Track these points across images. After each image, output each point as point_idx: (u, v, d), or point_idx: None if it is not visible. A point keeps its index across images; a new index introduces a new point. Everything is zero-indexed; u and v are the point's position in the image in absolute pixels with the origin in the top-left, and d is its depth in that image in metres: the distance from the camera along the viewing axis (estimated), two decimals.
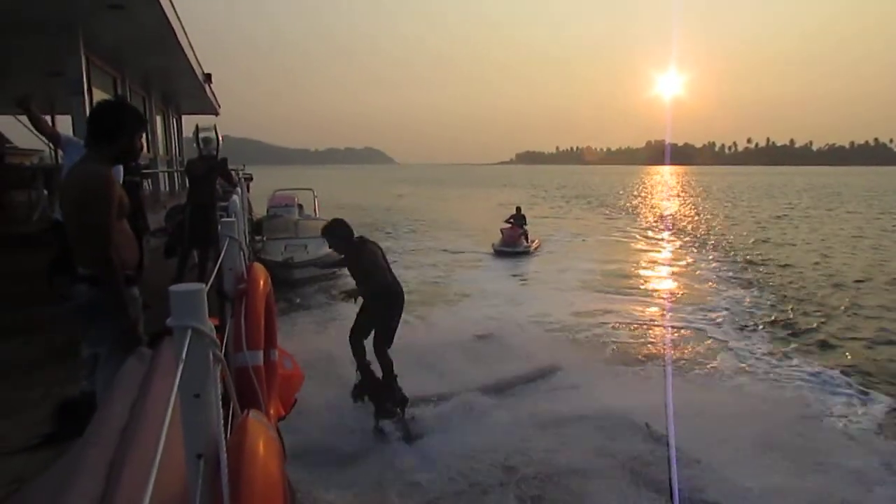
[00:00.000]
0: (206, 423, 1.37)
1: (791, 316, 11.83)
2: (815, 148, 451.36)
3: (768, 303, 12.98)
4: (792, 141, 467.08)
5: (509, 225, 20.20)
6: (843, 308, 12.56)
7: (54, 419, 3.18)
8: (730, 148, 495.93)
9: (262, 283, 3.77)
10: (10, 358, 4.71)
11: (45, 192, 9.12)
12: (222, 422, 1.48)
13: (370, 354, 6.54)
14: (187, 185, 8.00)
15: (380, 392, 6.49)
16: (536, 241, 20.81)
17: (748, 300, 13.22)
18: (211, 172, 7.41)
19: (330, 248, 6.89)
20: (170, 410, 1.14)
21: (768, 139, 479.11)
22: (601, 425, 6.52)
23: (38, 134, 5.14)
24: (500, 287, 15.05)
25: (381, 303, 6.50)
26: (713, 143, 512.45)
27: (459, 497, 5.03)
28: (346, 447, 5.91)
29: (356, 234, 6.67)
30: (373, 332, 6.53)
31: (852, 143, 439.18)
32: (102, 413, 1.93)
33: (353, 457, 5.71)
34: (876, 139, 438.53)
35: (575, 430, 6.34)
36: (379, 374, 6.52)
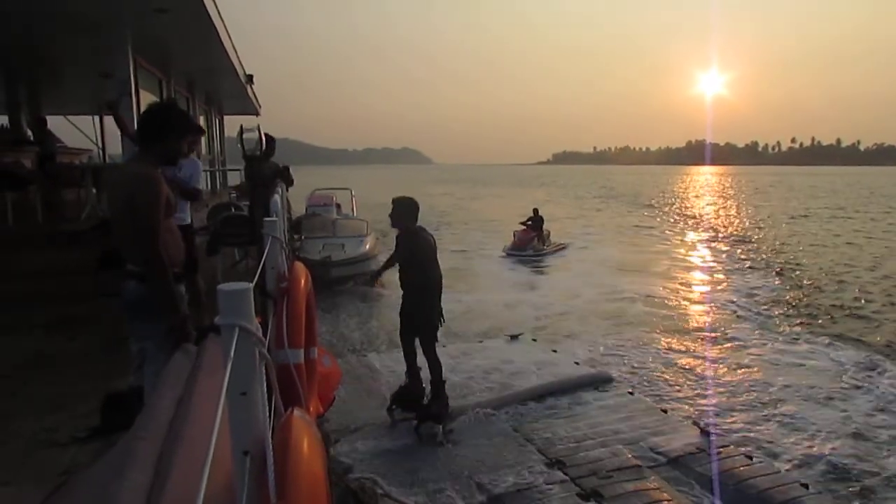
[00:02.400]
0: (252, 420, 1.38)
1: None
2: (862, 147, 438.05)
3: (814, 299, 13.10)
4: (838, 140, 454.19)
5: (524, 227, 19.83)
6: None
7: (102, 412, 3.26)
8: (773, 148, 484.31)
9: (302, 281, 3.81)
10: (58, 352, 4.86)
11: (94, 190, 9.36)
12: (268, 419, 1.49)
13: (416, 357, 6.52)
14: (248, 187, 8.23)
15: (424, 398, 6.42)
16: (556, 242, 20.61)
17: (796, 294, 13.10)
18: (264, 177, 7.59)
19: (391, 221, 6.38)
20: (220, 408, 1.16)
21: (813, 138, 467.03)
22: (648, 423, 6.49)
23: (85, 136, 5.28)
24: (520, 278, 15.29)
25: (431, 297, 6.33)
26: (756, 143, 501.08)
27: (521, 494, 5.06)
28: (391, 447, 5.94)
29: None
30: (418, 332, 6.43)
31: None
32: (150, 407, 1.96)
33: (405, 460, 5.71)
34: None
35: (623, 432, 6.27)
36: (425, 379, 6.46)
